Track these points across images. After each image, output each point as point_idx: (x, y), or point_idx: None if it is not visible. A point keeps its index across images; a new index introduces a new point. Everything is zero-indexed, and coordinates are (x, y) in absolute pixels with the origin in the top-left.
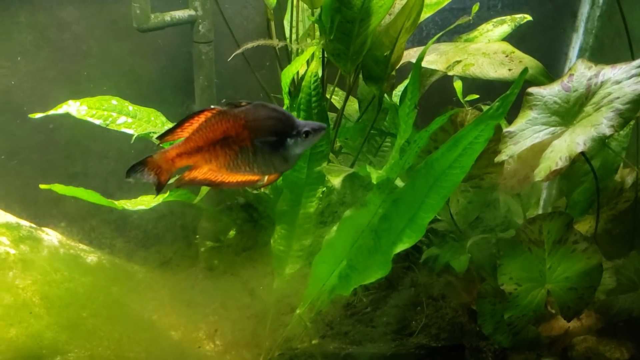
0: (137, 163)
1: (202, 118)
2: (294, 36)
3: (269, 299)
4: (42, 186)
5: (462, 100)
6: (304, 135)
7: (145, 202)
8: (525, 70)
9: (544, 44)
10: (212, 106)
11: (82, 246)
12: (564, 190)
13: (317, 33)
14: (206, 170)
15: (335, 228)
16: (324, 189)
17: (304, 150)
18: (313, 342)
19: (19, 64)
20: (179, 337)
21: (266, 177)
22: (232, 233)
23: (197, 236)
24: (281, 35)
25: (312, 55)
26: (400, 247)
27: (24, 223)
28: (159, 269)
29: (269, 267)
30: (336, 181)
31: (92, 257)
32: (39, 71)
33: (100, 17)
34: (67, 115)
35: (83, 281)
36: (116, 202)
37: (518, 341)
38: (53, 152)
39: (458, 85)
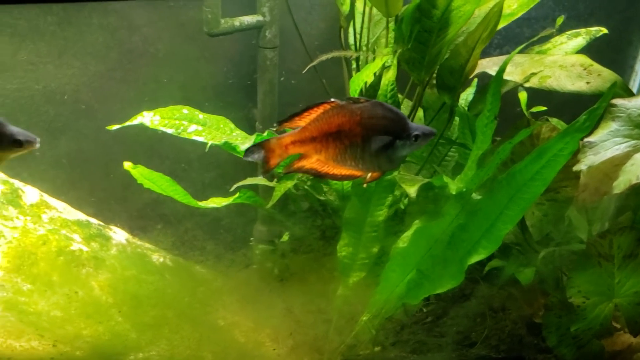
0: (255, 145)
1: (320, 110)
2: (358, 43)
3: (333, 305)
4: (126, 166)
5: (525, 112)
6: (413, 138)
7: (217, 202)
8: (614, 84)
9: (610, 56)
10: (332, 99)
11: (147, 245)
12: (629, 205)
13: (383, 41)
14: (314, 160)
15: (406, 237)
16: (392, 197)
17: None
18: (376, 349)
19: (89, 64)
20: (243, 338)
21: (369, 175)
22: (285, 237)
23: (252, 238)
24: (345, 42)
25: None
26: (476, 258)
27: (93, 221)
28: (229, 270)
29: (331, 273)
30: (412, 190)
31: (156, 256)
32: (107, 72)
33: (168, 21)
34: (125, 111)
35: (150, 280)
36: (199, 202)
37: (582, 355)
38: (117, 152)
39: (523, 96)
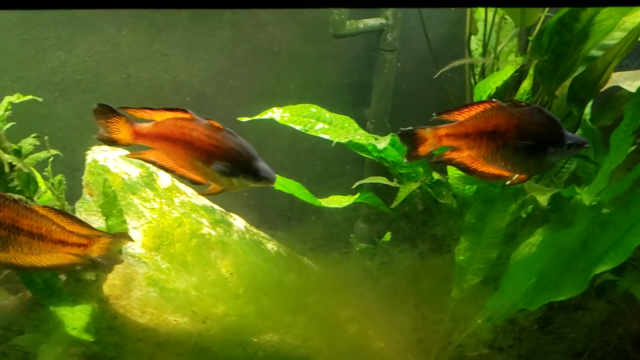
0: (408, 131)
1: (480, 108)
2: (479, 50)
3: (446, 306)
4: None
5: None
6: (566, 147)
7: (338, 202)
8: None
9: None
10: (493, 99)
11: (262, 233)
12: None
13: (506, 49)
14: (466, 155)
15: (531, 244)
16: (516, 205)
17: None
18: (484, 352)
19: (216, 59)
20: (353, 332)
21: (515, 176)
22: (387, 237)
23: (352, 235)
24: (465, 48)
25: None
26: (602, 268)
27: (217, 207)
28: (332, 264)
29: (440, 275)
30: (543, 199)
31: (271, 245)
32: (232, 67)
33: (293, 20)
34: (245, 106)
35: (267, 267)
36: (321, 200)
37: None
38: None
39: None
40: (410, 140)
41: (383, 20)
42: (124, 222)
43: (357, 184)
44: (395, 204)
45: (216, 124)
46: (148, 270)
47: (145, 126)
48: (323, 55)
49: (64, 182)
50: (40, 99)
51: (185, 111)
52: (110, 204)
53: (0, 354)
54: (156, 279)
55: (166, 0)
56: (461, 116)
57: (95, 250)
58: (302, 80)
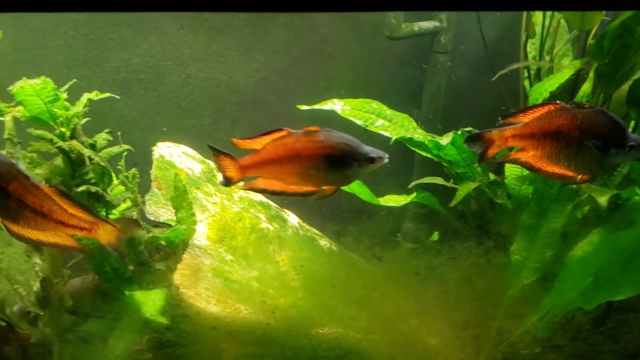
0: (476, 135)
1: (544, 110)
2: (533, 53)
3: (500, 304)
4: None
5: None
6: (628, 148)
7: (395, 200)
8: None
9: None
10: (557, 101)
11: (314, 230)
12: None
13: (560, 52)
14: (530, 155)
15: (587, 244)
16: (572, 205)
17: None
18: (536, 350)
19: (271, 60)
20: (406, 328)
21: (579, 176)
22: (435, 236)
23: (399, 234)
24: (519, 51)
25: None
26: None
27: (271, 203)
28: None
29: (491, 275)
30: (602, 200)
31: (323, 241)
32: (287, 68)
33: (347, 23)
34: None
35: (321, 263)
36: (379, 199)
37: None
38: None
39: None
40: (479, 143)
41: (437, 23)
42: (193, 214)
43: (413, 183)
44: (454, 202)
45: (312, 128)
46: (213, 262)
47: (248, 158)
48: (375, 57)
49: (137, 176)
50: (116, 96)
51: (280, 130)
52: (180, 197)
53: (76, 339)
54: (221, 270)
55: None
56: (526, 118)
57: (103, 237)
58: (354, 81)
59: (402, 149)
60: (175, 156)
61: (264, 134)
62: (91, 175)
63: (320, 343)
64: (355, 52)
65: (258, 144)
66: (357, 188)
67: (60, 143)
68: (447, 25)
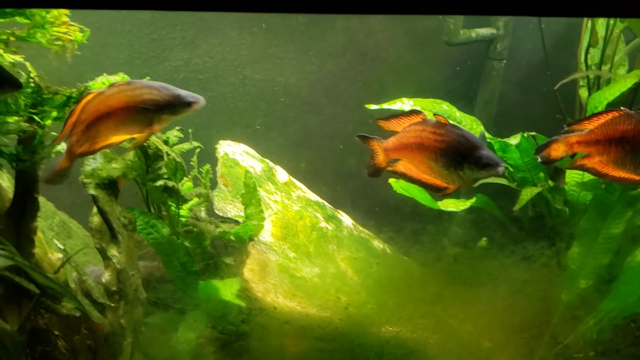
0: (544, 144)
1: (609, 116)
2: (592, 61)
3: (555, 308)
4: (391, 181)
5: None
6: None
7: (455, 205)
8: None
9: None
10: (621, 108)
11: (367, 231)
12: None
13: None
14: (596, 161)
15: None
16: (632, 212)
17: None
18: (590, 353)
19: (326, 63)
20: (458, 329)
21: None
22: (484, 241)
23: (445, 239)
24: (579, 59)
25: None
26: None
27: (326, 203)
28: (429, 265)
29: (551, 278)
30: None
31: (376, 242)
32: (341, 71)
33: (402, 28)
34: (349, 109)
35: (376, 263)
36: (438, 203)
37: None
38: (335, 144)
39: None
40: (545, 149)
41: (494, 30)
42: (262, 211)
43: (478, 182)
44: (517, 206)
45: (442, 120)
46: (279, 258)
47: (391, 141)
48: (429, 62)
49: (210, 172)
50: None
51: (418, 113)
52: (250, 194)
53: (146, 329)
54: (286, 266)
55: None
56: (590, 125)
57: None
58: (407, 85)
59: None
60: (238, 154)
61: (403, 116)
62: (164, 170)
63: (388, 340)
64: (410, 57)
65: (398, 125)
66: (417, 193)
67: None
68: (504, 32)
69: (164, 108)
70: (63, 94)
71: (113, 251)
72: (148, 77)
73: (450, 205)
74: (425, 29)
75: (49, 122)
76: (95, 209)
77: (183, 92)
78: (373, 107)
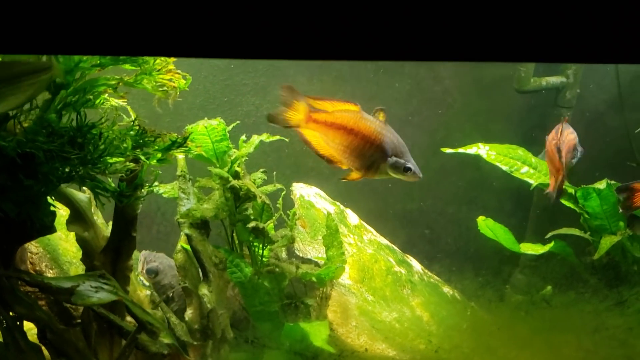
0: (624, 186)
1: None
2: None
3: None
4: (480, 219)
5: None
6: None
7: (534, 249)
8: None
9: None
10: None
11: (435, 276)
12: None
13: None
14: None
15: None
16: None
17: None
18: None
19: (392, 109)
20: None
21: None
22: (549, 289)
23: (507, 286)
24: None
25: None
26: None
27: (396, 248)
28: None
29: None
30: None
31: (446, 288)
32: (406, 116)
33: (470, 75)
34: (413, 154)
35: (448, 309)
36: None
37: None
38: (398, 188)
39: None
40: (626, 194)
41: (564, 79)
42: (343, 253)
43: (550, 234)
44: (597, 255)
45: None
46: (357, 301)
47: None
48: (495, 109)
49: (296, 214)
50: (286, 139)
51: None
52: (331, 237)
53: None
54: (365, 309)
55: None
56: None
57: None
58: (473, 132)
59: (517, 197)
60: (312, 196)
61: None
62: (251, 211)
63: None
64: (476, 104)
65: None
66: (502, 234)
67: (234, 182)
68: (573, 80)
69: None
70: (170, 138)
71: (204, 290)
72: (221, 121)
73: (529, 248)
74: (492, 76)
75: (153, 162)
76: (179, 246)
77: (410, 159)
78: (449, 151)
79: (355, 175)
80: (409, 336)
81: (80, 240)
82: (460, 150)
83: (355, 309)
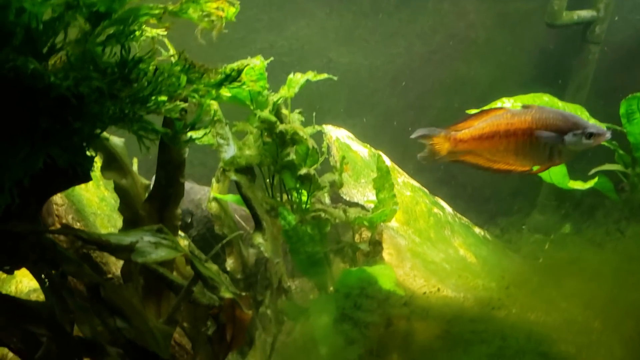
0: None
1: None
2: None
3: None
4: None
5: None
6: None
7: (581, 184)
8: None
9: None
10: None
11: (464, 218)
12: None
13: None
14: None
15: None
16: None
17: None
18: None
19: (413, 45)
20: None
21: None
22: (567, 228)
23: (523, 227)
24: None
25: None
26: None
27: (426, 190)
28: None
29: None
30: None
31: (477, 229)
32: (428, 53)
33: (494, 10)
34: (435, 94)
35: (484, 249)
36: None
37: None
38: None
39: None
40: None
41: (594, 13)
42: (394, 195)
43: (594, 170)
44: None
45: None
46: (408, 243)
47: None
48: (519, 45)
49: (344, 158)
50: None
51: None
52: (383, 179)
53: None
54: (416, 251)
55: None
56: None
57: None
58: (495, 69)
59: None
60: (346, 139)
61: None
62: (293, 156)
63: (531, 322)
64: (500, 40)
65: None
66: (555, 168)
67: (282, 126)
68: (604, 15)
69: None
70: (223, 72)
71: (259, 239)
72: (262, 59)
73: (576, 184)
74: (517, 11)
75: (208, 101)
76: (211, 195)
77: (586, 123)
78: (474, 111)
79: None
80: (462, 276)
81: (119, 189)
82: (485, 108)
83: (407, 251)
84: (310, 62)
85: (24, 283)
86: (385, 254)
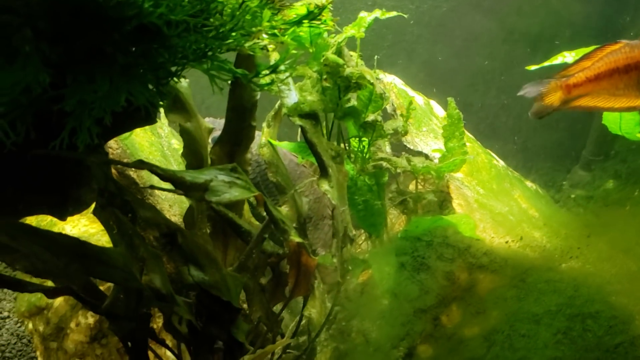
0: None
1: None
2: None
3: None
4: None
5: None
6: None
7: None
8: None
9: None
10: None
11: (515, 172)
12: None
13: None
14: None
15: None
16: None
17: None
18: None
19: None
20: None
21: None
22: (610, 183)
23: (564, 183)
24: None
25: None
26: None
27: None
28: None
29: None
30: None
31: (529, 183)
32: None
33: None
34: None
35: (541, 201)
36: None
37: None
38: (462, 79)
39: None
40: None
41: None
42: (464, 144)
43: None
44: None
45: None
46: (473, 194)
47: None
48: None
49: (412, 104)
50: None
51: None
52: (453, 126)
53: None
54: (482, 202)
55: None
56: None
57: None
58: (547, 17)
59: None
60: (401, 85)
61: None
62: (353, 102)
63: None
64: None
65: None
66: (626, 115)
67: (350, 69)
68: None
69: None
70: (307, 7)
71: (325, 185)
72: None
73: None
74: None
75: (287, 39)
76: (263, 140)
77: None
78: (534, 67)
79: None
80: (525, 228)
81: (184, 131)
82: (546, 64)
83: (474, 202)
84: (354, 4)
85: (66, 230)
86: (454, 205)
